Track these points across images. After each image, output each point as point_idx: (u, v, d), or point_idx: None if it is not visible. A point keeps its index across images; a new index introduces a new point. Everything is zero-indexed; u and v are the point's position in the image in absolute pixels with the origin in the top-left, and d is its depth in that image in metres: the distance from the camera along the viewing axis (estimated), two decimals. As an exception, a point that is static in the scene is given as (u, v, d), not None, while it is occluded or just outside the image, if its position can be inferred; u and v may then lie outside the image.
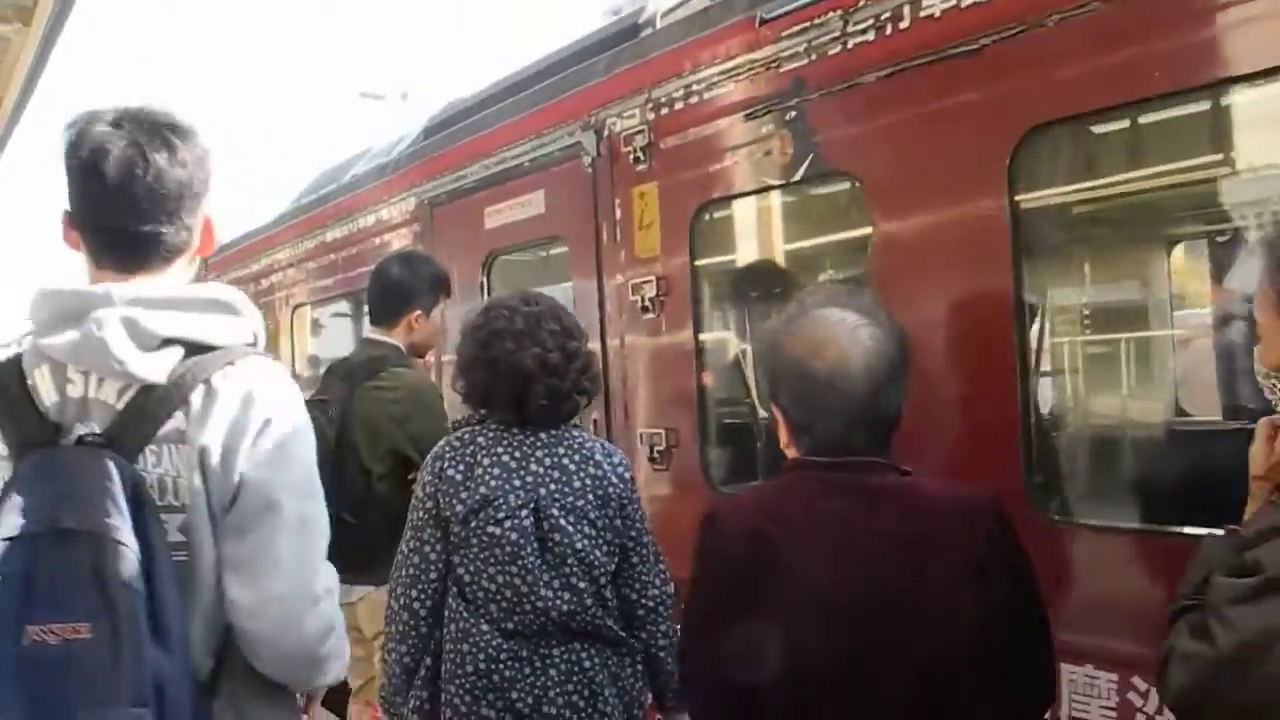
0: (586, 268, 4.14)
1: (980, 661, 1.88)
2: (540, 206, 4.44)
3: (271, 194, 8.14)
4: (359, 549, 3.40)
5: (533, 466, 2.64)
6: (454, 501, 2.64)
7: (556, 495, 2.61)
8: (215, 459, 1.83)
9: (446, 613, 2.68)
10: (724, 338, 4.46)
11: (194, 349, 1.87)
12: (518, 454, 2.65)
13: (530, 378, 2.63)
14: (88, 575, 1.70)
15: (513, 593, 2.59)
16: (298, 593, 1.90)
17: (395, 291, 3.80)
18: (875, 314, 2.03)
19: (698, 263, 3.70)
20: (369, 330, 3.91)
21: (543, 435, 2.68)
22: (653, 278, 3.80)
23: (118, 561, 1.70)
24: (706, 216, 3.73)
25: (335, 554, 3.67)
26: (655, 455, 3.79)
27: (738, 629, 1.97)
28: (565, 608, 2.60)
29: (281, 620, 1.88)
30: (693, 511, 2.40)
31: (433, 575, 2.68)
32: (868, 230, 3.08)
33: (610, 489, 2.67)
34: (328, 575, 2.00)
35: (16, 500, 1.75)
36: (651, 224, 3.82)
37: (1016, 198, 2.71)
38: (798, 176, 3.26)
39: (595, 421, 4.03)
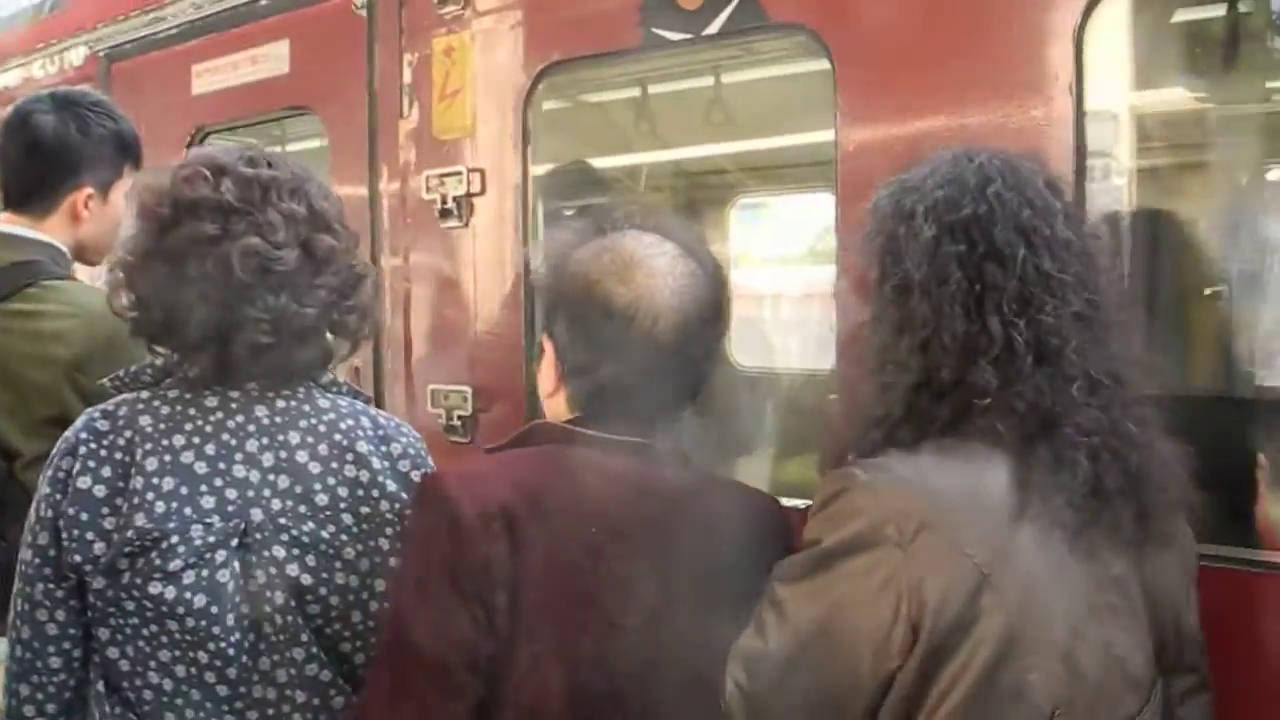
0: (351, 152, 2.90)
1: None
2: (282, 64, 3.13)
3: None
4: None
5: (238, 470, 1.55)
6: (88, 535, 1.53)
7: (284, 519, 1.56)
8: None
9: None
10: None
11: None
12: (211, 446, 1.57)
13: (241, 290, 1.53)
14: None
15: (204, 695, 1.54)
16: None
17: (49, 155, 2.33)
18: (697, 246, 1.60)
19: (536, 155, 2.58)
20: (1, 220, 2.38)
21: (259, 413, 1.60)
22: (461, 170, 2.64)
23: None
24: (552, 87, 2.62)
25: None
26: (455, 423, 2.66)
27: (467, 634, 1.40)
28: (298, 718, 1.57)
29: None
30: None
31: (53, 663, 1.58)
32: (827, 134, 2.08)
33: (385, 501, 1.60)
34: None
35: None
36: (460, 92, 2.66)
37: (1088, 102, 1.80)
38: (713, 29, 2.23)
39: (357, 370, 2.83)
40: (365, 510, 1.59)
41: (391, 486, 1.60)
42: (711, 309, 1.57)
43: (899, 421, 1.37)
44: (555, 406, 1.62)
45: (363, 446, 1.61)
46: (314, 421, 1.61)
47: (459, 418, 2.66)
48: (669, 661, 1.47)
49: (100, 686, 1.58)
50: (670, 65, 2.94)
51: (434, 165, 2.70)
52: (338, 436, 1.61)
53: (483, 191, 2.62)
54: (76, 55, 3.90)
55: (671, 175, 4.39)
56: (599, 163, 3.18)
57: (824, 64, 2.07)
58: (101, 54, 3.77)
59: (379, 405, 2.73)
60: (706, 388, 1.62)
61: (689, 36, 2.27)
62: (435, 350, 2.72)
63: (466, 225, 2.64)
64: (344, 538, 1.57)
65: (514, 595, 1.41)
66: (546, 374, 1.62)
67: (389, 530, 1.60)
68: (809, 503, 1.43)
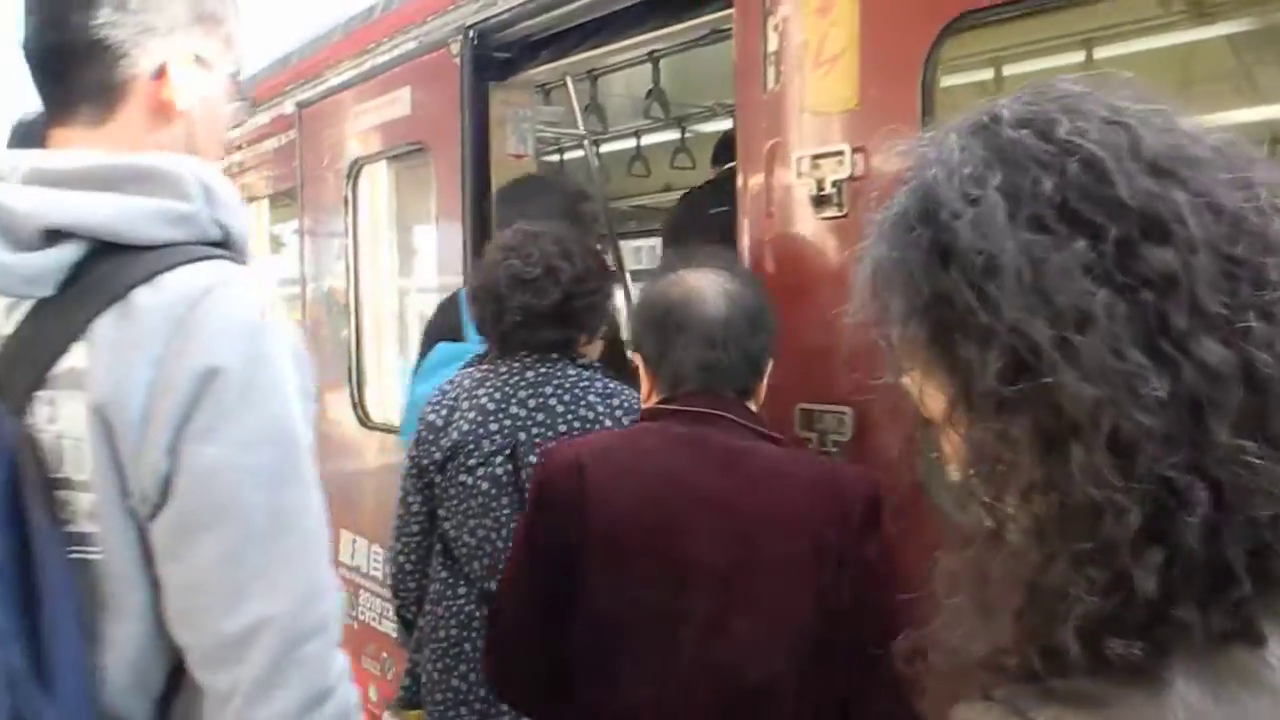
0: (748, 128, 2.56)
1: (806, 674, 1.81)
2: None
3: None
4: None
5: (513, 409, 2.41)
6: (431, 449, 2.47)
7: (538, 440, 2.36)
8: (126, 421, 1.15)
9: (430, 570, 2.57)
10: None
11: (112, 248, 1.19)
12: (498, 395, 2.43)
13: (503, 293, 2.42)
14: None
15: (491, 549, 2.42)
16: (270, 634, 1.16)
17: None
18: (737, 271, 2.12)
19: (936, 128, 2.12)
20: None
21: (529, 375, 2.44)
22: (843, 149, 2.23)
23: None
24: (963, 44, 2.16)
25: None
26: (831, 449, 2.25)
27: (550, 573, 1.95)
28: None
29: (246, 679, 1.16)
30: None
31: (413, 528, 2.59)
32: None
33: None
34: (323, 604, 1.22)
35: None
36: (840, 57, 2.25)
37: None
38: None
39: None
40: None
41: (609, 424, 2.38)
42: (753, 312, 2.02)
43: None
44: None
45: (591, 397, 2.42)
46: (561, 380, 2.43)
47: (834, 443, 2.24)
48: (725, 583, 1.84)
49: (438, 545, 2.54)
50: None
51: (807, 145, 2.30)
52: (577, 391, 2.42)
53: (867, 174, 2.19)
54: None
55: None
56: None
57: None
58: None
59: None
60: (758, 378, 2.06)
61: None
62: (806, 364, 2.29)
63: (847, 215, 2.22)
64: None
65: (583, 518, 1.89)
66: (644, 385, 2.09)
67: None
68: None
